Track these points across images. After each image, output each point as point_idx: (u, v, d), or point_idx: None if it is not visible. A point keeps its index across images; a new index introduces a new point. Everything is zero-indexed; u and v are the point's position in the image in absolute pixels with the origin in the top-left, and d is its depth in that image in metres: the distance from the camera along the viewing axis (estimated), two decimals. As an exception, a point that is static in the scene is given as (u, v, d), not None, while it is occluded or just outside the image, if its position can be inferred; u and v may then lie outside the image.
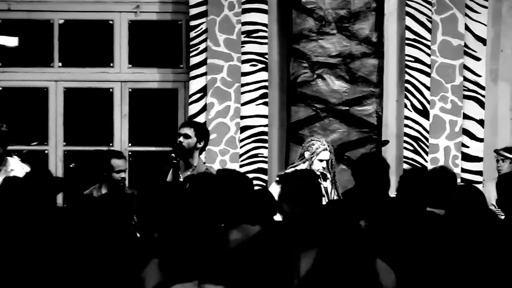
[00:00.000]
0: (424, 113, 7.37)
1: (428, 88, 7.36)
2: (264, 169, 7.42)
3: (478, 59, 7.43)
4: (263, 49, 7.38)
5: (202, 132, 6.02)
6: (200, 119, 7.41)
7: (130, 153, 7.79)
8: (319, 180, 5.88)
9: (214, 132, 7.35)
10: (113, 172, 6.21)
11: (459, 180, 7.10)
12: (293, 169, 6.22)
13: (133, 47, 7.88)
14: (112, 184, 6.20)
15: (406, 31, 7.36)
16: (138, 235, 4.22)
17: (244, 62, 7.39)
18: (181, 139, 5.88)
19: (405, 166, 7.24)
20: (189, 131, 5.93)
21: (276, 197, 4.44)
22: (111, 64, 7.90)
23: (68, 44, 7.90)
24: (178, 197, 4.13)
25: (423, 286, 3.97)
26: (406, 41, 7.35)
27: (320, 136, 6.80)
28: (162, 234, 3.76)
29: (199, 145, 5.95)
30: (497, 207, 5.21)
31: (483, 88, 7.45)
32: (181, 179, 5.67)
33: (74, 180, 7.46)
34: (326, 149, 6.27)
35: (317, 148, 6.23)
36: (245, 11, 7.36)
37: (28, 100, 7.91)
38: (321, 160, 6.22)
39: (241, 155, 7.42)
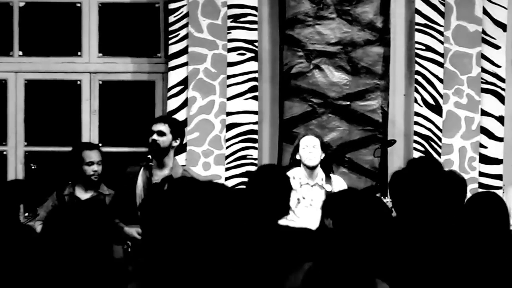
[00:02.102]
0: (436, 109, 7.24)
1: (441, 80, 7.24)
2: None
3: (497, 47, 7.30)
4: (252, 35, 7.25)
5: (178, 129, 5.86)
6: (181, 115, 7.28)
7: (100, 154, 7.81)
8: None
9: (197, 131, 7.26)
10: (84, 164, 6.13)
11: (476, 185, 7.19)
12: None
13: (103, 33, 7.71)
14: (85, 179, 6.16)
15: (416, 15, 7.23)
16: None
17: (230, 50, 7.27)
18: (155, 137, 5.74)
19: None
20: (164, 127, 5.76)
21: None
22: (79, 53, 7.73)
23: (29, 30, 7.73)
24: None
25: None
26: (416, 27, 7.24)
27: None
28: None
29: (174, 144, 5.80)
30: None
31: (503, 80, 7.32)
32: (156, 181, 5.69)
33: (36, 184, 7.17)
34: (307, 135, 6.33)
35: (298, 140, 6.31)
36: (231, -8, 7.36)
37: (-16, 94, 7.84)
38: (304, 147, 6.20)
39: (227, 157, 7.27)
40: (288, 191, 4.32)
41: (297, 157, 6.25)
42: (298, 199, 6.17)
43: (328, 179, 6.22)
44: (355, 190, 3.67)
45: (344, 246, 3.23)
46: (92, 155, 6.16)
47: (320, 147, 6.22)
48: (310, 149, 6.19)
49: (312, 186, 6.20)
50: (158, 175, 5.71)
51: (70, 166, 6.28)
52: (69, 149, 6.95)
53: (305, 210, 6.11)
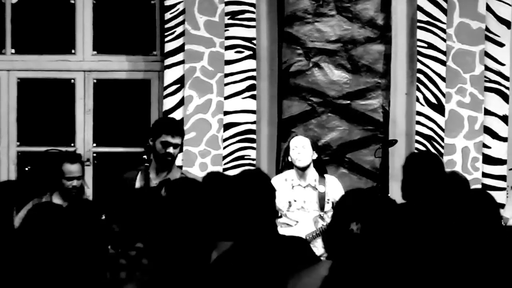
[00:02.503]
0: (439, 108, 7.22)
1: (443, 78, 7.21)
2: (251, 173, 7.01)
3: (501, 44, 7.27)
4: (250, 33, 7.25)
5: (184, 136, 5.91)
6: (177, 114, 7.27)
7: (94, 154, 7.68)
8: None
9: (193, 130, 7.23)
10: (64, 179, 6.01)
11: (479, 186, 7.19)
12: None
13: (98, 31, 7.72)
14: (64, 192, 6.05)
15: (418, 12, 7.22)
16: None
17: (228, 48, 7.25)
18: (171, 150, 5.66)
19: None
20: (179, 140, 5.74)
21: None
22: (73, 51, 7.72)
23: (22, 27, 7.73)
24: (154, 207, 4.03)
25: None
26: (418, 24, 7.22)
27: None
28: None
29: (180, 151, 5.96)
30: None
31: (507, 78, 7.28)
32: (154, 185, 5.63)
33: (29, 186, 7.12)
34: (296, 135, 6.38)
35: (288, 141, 6.33)
36: (229, -12, 7.36)
37: (-25, 93, 7.85)
38: (294, 148, 6.19)
39: (224, 157, 7.26)
40: (272, 194, 4.14)
41: (288, 159, 6.22)
42: (290, 202, 6.13)
43: (321, 179, 6.16)
44: (374, 191, 3.60)
45: (376, 251, 3.17)
46: (73, 170, 6.01)
47: (310, 147, 6.19)
48: (299, 149, 6.16)
49: (304, 187, 6.14)
50: (157, 179, 5.68)
51: (49, 177, 6.18)
52: (64, 149, 6.91)
53: (297, 213, 6.05)
